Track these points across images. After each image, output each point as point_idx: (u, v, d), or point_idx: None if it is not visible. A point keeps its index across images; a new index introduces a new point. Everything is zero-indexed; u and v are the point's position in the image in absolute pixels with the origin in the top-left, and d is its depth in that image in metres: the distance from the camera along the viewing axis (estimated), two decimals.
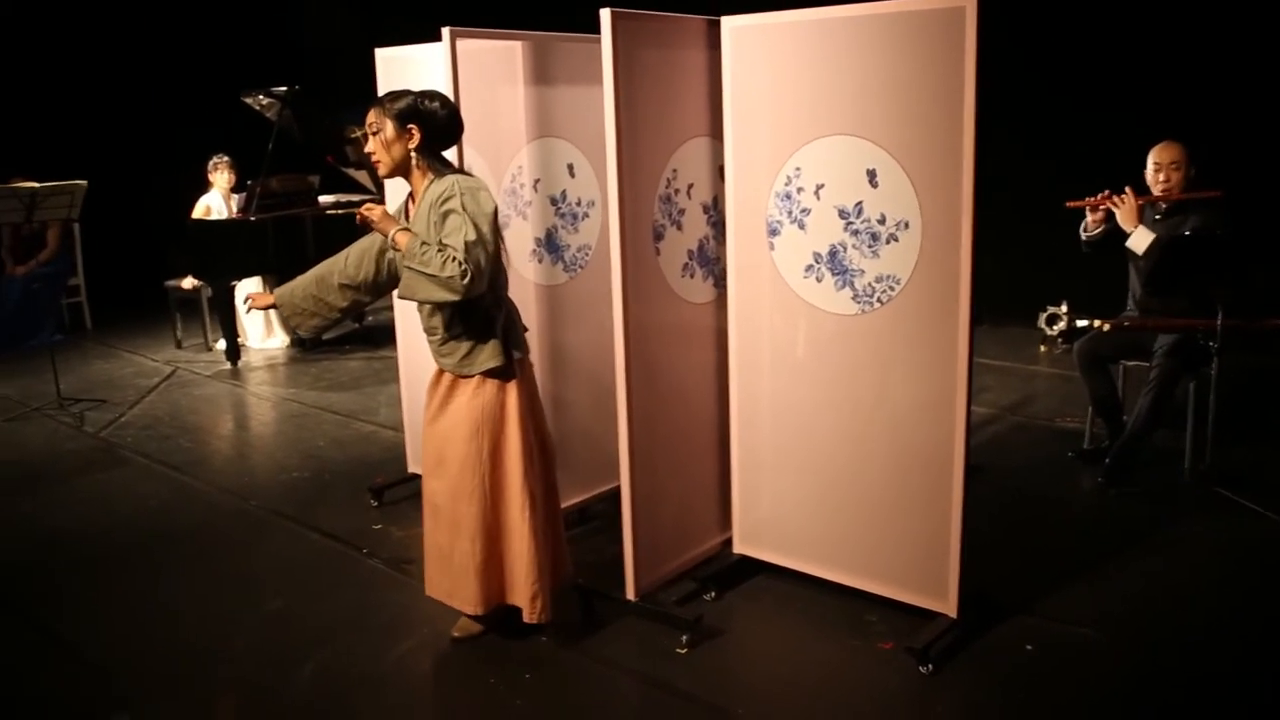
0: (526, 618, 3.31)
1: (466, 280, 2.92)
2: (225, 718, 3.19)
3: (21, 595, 3.98)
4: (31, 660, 3.53)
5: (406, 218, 3.23)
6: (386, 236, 3.11)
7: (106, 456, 5.55)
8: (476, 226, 2.96)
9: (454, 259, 2.92)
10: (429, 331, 3.26)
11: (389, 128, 3.11)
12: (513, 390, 3.22)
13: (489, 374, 3.20)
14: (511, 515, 3.27)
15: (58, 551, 4.36)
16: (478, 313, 3.16)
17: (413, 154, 3.13)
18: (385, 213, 3.15)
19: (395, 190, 4.23)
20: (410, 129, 3.11)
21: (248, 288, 7.72)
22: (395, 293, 3.25)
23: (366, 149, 3.19)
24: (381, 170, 3.18)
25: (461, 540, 3.27)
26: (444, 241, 2.96)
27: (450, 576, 3.33)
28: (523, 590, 3.29)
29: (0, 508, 4.87)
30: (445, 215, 3.00)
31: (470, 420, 3.22)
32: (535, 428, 3.33)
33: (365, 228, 3.18)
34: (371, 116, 3.14)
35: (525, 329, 3.37)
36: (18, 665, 3.49)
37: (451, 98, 3.80)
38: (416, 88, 4.43)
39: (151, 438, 5.82)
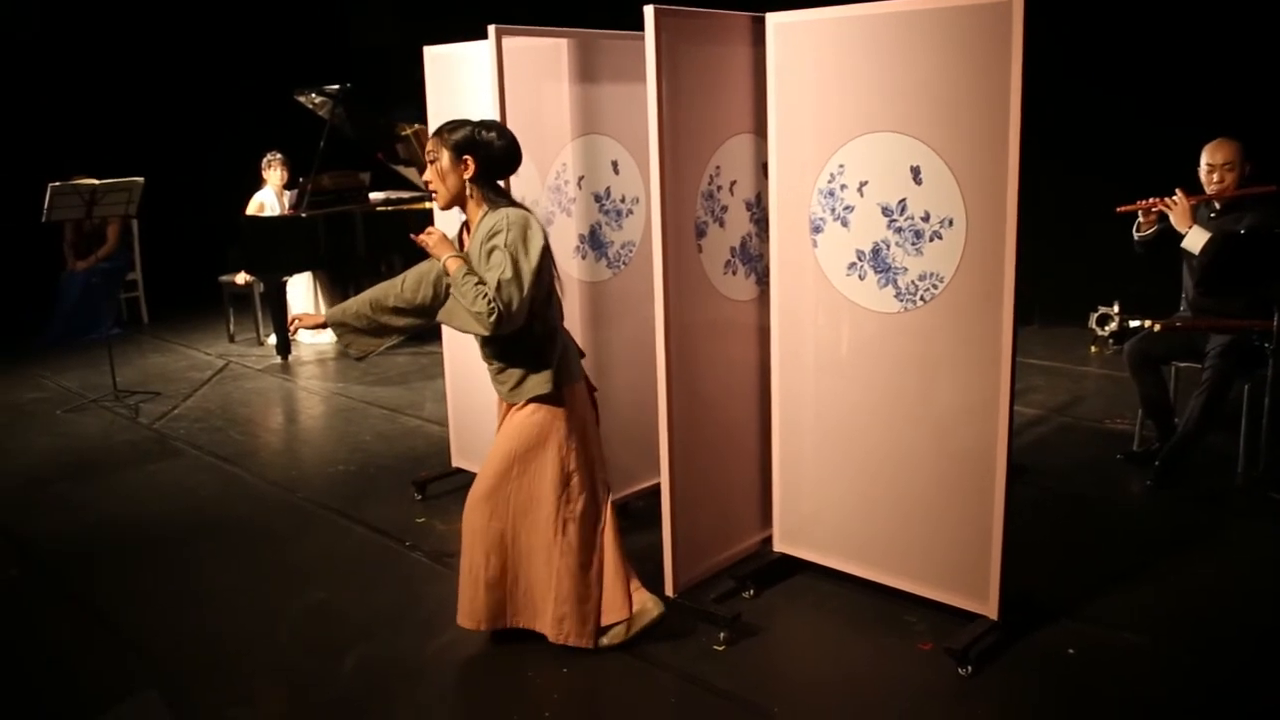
0: (552, 638, 3.30)
1: (493, 318, 2.95)
2: (266, 706, 3.24)
3: (73, 578, 4.08)
4: (78, 641, 3.61)
5: (461, 247, 3.24)
6: (440, 261, 3.14)
7: (159, 447, 5.66)
8: (515, 264, 2.98)
9: (485, 295, 2.96)
10: (485, 360, 3.28)
11: (445, 157, 3.13)
12: (558, 418, 3.22)
13: (535, 400, 3.20)
14: (536, 539, 3.28)
15: (109, 537, 4.46)
16: (528, 344, 3.17)
17: (468, 184, 3.14)
18: (442, 238, 3.17)
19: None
20: (466, 159, 3.12)
21: (299, 283, 7.84)
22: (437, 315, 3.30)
23: (424, 177, 3.21)
24: (439, 200, 3.19)
25: (475, 552, 3.29)
26: (484, 276, 3.00)
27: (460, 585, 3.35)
28: (545, 612, 3.30)
29: (57, 494, 4.99)
30: (490, 251, 3.03)
31: (509, 439, 3.24)
32: (584, 460, 3.28)
33: (425, 252, 3.20)
34: (430, 145, 3.17)
35: (582, 355, 3.38)
36: (65, 645, 3.58)
37: (497, 95, 3.84)
38: (463, 84, 4.48)
39: (203, 430, 5.93)
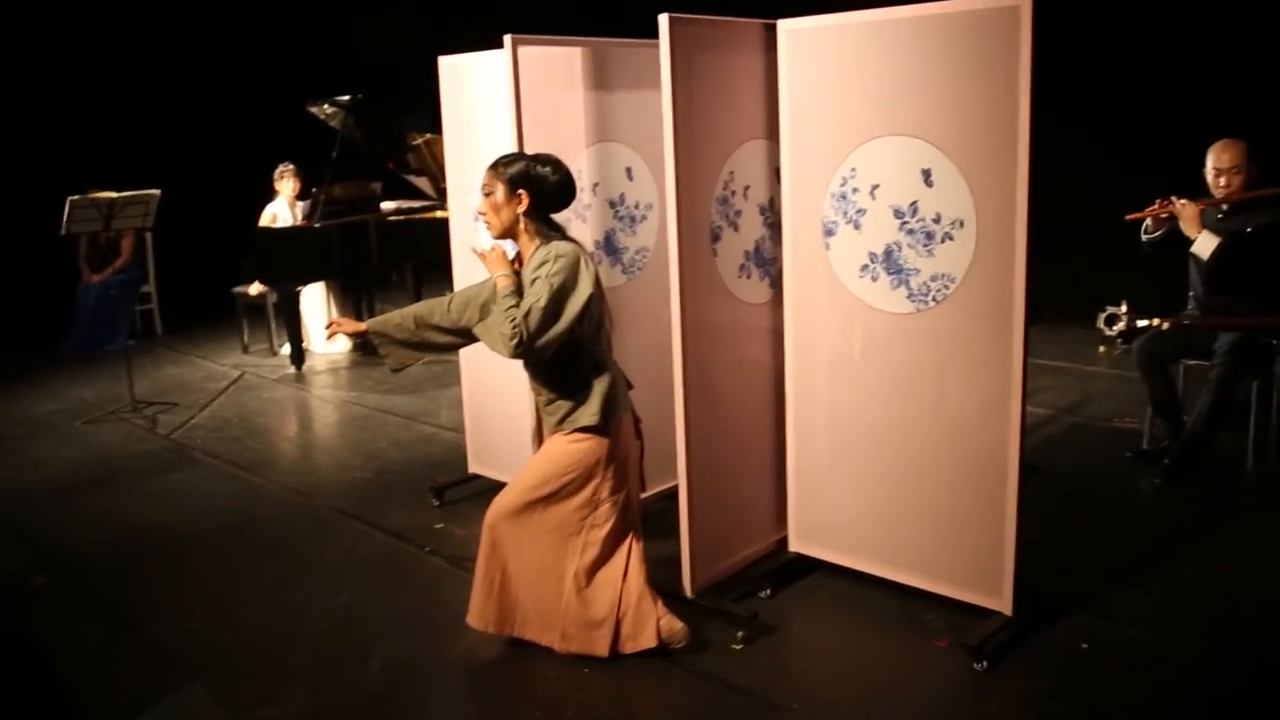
0: (559, 649, 3.34)
1: (513, 341, 3.02)
2: (295, 705, 3.29)
3: (100, 585, 4.13)
4: (106, 644, 3.67)
5: None
6: (493, 278, 3.21)
7: (178, 457, 5.72)
8: (551, 296, 3.03)
9: (513, 319, 3.02)
10: (533, 391, 3.34)
11: (500, 190, 3.18)
12: (601, 448, 3.24)
13: (581, 429, 3.24)
14: (551, 558, 3.30)
15: (133, 545, 4.52)
16: (577, 377, 3.22)
17: (522, 218, 3.20)
18: (501, 255, 3.23)
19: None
20: (520, 193, 3.17)
21: (313, 293, 7.90)
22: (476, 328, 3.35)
23: (478, 209, 3.26)
24: (492, 231, 3.25)
25: (493, 560, 3.34)
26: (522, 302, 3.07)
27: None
28: (554, 627, 3.33)
29: (79, 504, 5.05)
30: (534, 281, 3.09)
31: (547, 462, 3.28)
32: (616, 492, 3.30)
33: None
34: (485, 178, 3.22)
35: (630, 386, 3.40)
36: (97, 650, 3.63)
37: (513, 104, 3.90)
38: (478, 93, 4.53)
39: (220, 439, 5.99)
